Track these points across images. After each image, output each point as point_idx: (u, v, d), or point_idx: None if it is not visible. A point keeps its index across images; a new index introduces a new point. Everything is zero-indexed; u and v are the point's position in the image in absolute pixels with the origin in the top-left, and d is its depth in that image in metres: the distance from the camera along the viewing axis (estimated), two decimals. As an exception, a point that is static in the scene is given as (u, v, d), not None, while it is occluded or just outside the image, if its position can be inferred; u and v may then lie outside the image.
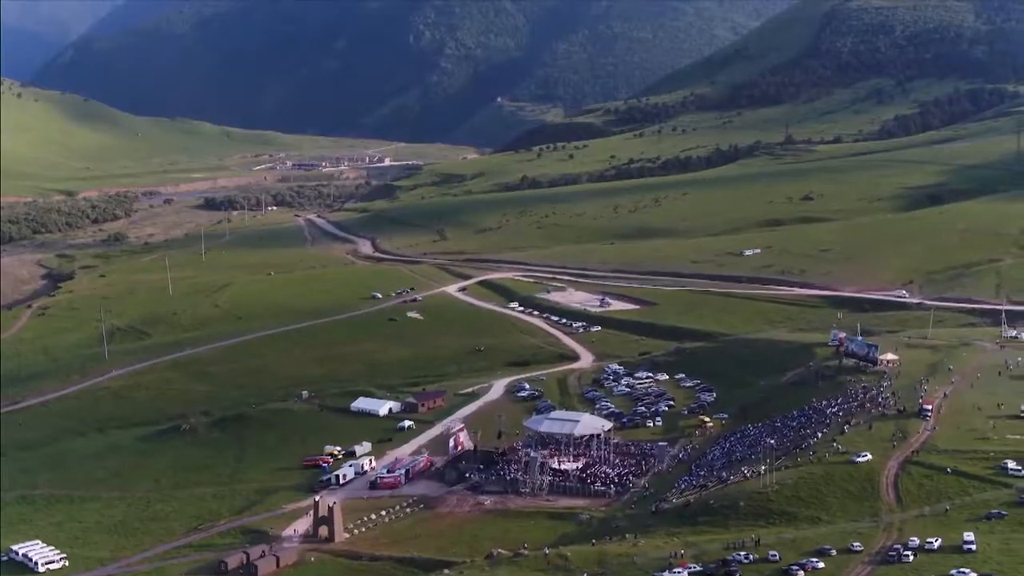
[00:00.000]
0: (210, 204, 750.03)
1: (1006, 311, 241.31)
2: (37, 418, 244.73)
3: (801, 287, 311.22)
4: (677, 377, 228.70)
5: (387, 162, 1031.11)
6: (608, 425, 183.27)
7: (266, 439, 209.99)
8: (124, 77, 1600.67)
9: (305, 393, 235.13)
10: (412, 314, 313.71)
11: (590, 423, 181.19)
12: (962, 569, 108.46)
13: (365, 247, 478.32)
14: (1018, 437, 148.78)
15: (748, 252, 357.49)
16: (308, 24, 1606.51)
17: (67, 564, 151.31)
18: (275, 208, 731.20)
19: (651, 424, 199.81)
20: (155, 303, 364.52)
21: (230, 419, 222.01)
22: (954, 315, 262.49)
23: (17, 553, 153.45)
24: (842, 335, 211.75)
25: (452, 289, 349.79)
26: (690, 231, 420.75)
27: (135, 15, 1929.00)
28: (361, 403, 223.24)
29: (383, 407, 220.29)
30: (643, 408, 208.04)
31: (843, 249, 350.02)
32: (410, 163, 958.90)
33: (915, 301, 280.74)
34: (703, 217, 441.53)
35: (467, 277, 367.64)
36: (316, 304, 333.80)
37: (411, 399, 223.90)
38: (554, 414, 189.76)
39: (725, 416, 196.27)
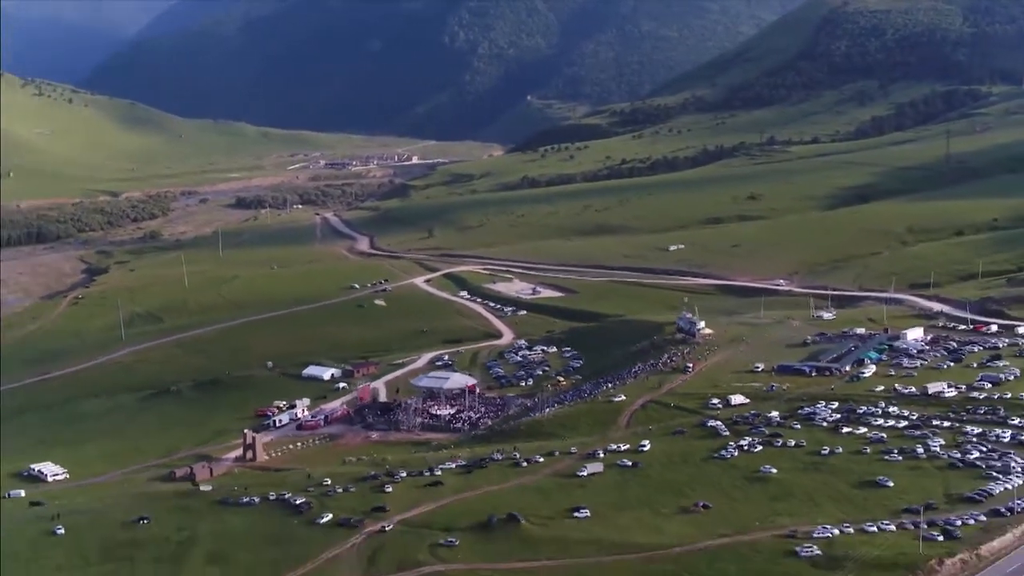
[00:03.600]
0: (241, 203, 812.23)
1: (813, 294, 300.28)
2: (61, 385, 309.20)
3: (703, 277, 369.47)
4: (563, 349, 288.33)
5: (414, 160, 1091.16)
6: (472, 381, 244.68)
7: (233, 398, 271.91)
8: (174, 79, 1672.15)
9: (270, 363, 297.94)
10: (378, 302, 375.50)
11: (458, 380, 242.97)
12: (625, 460, 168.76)
13: (363, 244, 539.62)
14: (739, 384, 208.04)
15: (672, 247, 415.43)
16: (348, 26, 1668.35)
17: (68, 477, 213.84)
18: (300, 207, 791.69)
19: (523, 384, 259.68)
20: (171, 293, 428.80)
21: (207, 383, 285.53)
22: (807, 299, 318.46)
23: (33, 469, 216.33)
24: (689, 315, 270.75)
25: (419, 280, 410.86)
26: (639, 228, 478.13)
27: (188, 15, 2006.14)
28: (310, 370, 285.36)
29: (327, 373, 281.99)
30: (521, 372, 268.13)
31: (752, 244, 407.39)
32: (434, 162, 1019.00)
33: (785, 288, 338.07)
34: (654, 216, 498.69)
35: (435, 270, 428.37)
36: (302, 294, 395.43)
37: (348, 367, 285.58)
38: (432, 373, 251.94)
39: (579, 377, 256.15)
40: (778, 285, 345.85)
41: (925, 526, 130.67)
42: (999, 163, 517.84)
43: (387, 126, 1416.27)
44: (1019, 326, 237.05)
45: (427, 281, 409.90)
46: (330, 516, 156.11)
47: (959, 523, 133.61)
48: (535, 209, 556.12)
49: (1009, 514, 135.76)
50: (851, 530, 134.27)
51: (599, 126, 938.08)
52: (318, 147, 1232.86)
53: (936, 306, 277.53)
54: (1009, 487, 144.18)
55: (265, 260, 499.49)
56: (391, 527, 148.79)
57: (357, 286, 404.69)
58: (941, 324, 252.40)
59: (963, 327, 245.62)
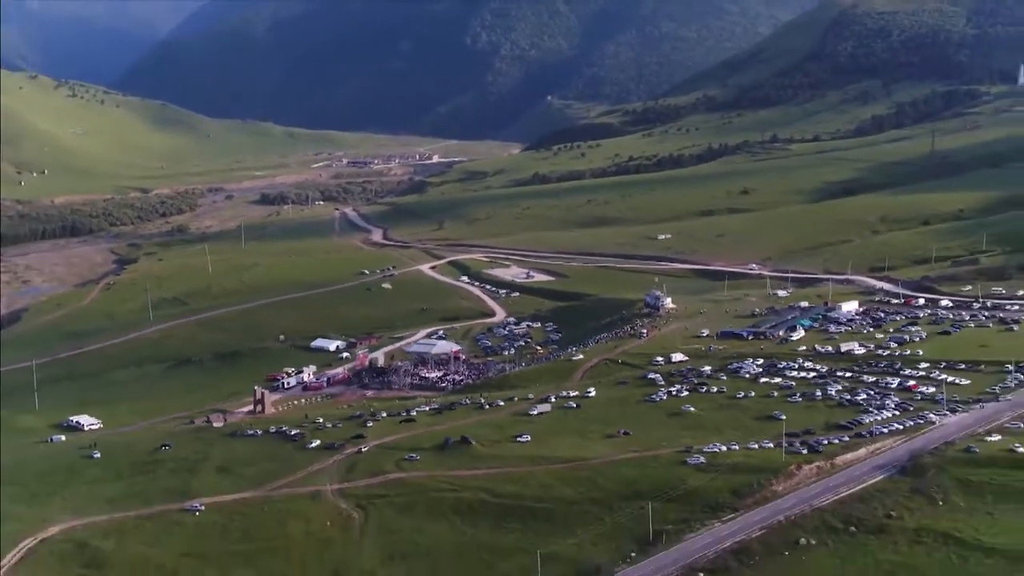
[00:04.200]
0: (265, 199, 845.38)
1: (770, 275, 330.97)
2: (94, 358, 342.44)
3: (683, 263, 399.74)
4: (546, 325, 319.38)
5: (434, 159, 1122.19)
6: (457, 348, 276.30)
7: (248, 366, 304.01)
8: (203, 79, 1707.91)
9: (282, 336, 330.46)
10: (385, 285, 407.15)
11: (444, 347, 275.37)
12: (571, 403, 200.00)
13: (377, 236, 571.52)
14: (683, 347, 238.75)
15: (661, 237, 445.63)
16: (373, 28, 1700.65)
17: (102, 426, 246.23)
18: (321, 203, 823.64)
19: (506, 353, 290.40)
20: (195, 280, 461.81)
21: (227, 354, 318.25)
22: (777, 281, 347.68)
23: (72, 420, 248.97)
24: (657, 292, 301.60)
25: (425, 267, 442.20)
26: (634, 220, 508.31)
27: (217, 15, 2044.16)
28: (318, 343, 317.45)
29: (332, 345, 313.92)
30: (506, 343, 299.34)
31: (736, 234, 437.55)
32: (452, 160, 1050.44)
33: (756, 272, 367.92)
34: (650, 209, 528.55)
35: (441, 258, 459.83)
36: (316, 280, 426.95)
37: (352, 340, 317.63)
38: (421, 340, 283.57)
39: (555, 346, 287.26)
40: (750, 269, 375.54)
41: (787, 444, 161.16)
42: (980, 159, 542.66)
43: (410, 126, 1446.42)
44: (942, 299, 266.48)
45: (432, 268, 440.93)
46: (318, 442, 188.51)
47: (825, 442, 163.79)
48: (541, 203, 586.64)
49: (869, 436, 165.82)
50: (736, 447, 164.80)
51: (612, 125, 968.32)
52: (342, 146, 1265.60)
53: (882, 284, 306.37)
54: (878, 418, 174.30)
55: (284, 251, 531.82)
56: (367, 449, 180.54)
57: (367, 272, 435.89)
58: (877, 299, 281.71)
59: (895, 301, 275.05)
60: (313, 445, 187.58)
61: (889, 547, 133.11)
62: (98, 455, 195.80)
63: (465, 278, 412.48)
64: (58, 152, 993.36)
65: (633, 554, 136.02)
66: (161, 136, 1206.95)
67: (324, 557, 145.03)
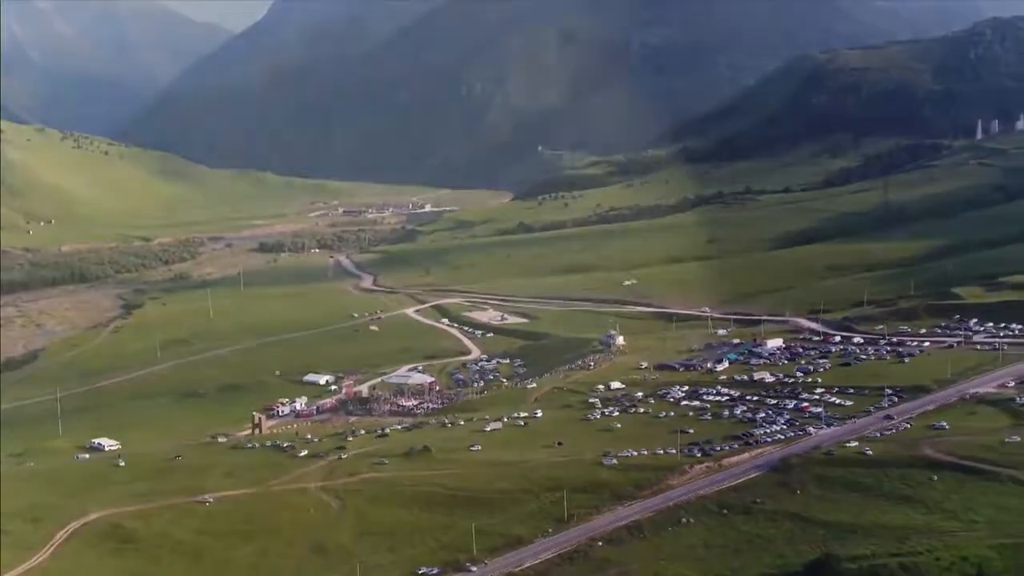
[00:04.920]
0: (263, 247, 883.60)
1: (713, 316, 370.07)
2: (108, 392, 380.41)
3: (644, 306, 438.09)
4: (514, 361, 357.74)
5: (427, 208, 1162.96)
6: (431, 379, 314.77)
7: (248, 397, 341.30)
8: (203, 129, 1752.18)
9: (278, 372, 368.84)
10: (372, 328, 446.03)
11: (419, 378, 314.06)
12: (519, 422, 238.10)
13: (367, 282, 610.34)
14: (623, 376, 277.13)
15: (627, 282, 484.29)
16: (369, 79, 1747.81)
17: (120, 447, 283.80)
18: (316, 251, 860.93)
19: (476, 385, 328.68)
20: (198, 322, 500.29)
21: (228, 387, 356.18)
22: (720, 321, 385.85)
23: (94, 443, 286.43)
24: (612, 332, 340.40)
25: (410, 311, 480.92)
26: (606, 267, 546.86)
27: (217, 65, 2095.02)
28: (310, 377, 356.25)
29: (323, 379, 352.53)
30: (476, 377, 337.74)
31: (695, 279, 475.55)
32: (443, 209, 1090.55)
33: (707, 314, 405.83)
34: (622, 256, 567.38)
35: (425, 302, 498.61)
36: (309, 322, 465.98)
37: (340, 374, 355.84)
38: (399, 373, 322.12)
39: (519, 378, 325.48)
40: (702, 311, 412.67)
41: (687, 450, 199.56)
42: (930, 209, 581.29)
43: (405, 174, 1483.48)
44: (855, 337, 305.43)
45: (416, 311, 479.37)
46: (306, 452, 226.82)
47: (718, 448, 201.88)
48: (521, 251, 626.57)
49: (755, 444, 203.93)
50: (645, 452, 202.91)
51: (597, 176, 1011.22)
52: (338, 196, 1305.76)
53: (811, 325, 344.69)
54: (767, 430, 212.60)
55: (280, 295, 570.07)
56: (346, 456, 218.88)
57: (356, 315, 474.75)
58: (801, 337, 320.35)
59: (816, 338, 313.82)
60: (302, 454, 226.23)
61: (751, 523, 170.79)
62: (123, 463, 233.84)
63: (446, 320, 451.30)
64: (64, 202, 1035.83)
65: (549, 530, 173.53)
66: (162, 186, 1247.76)
67: (309, 535, 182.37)
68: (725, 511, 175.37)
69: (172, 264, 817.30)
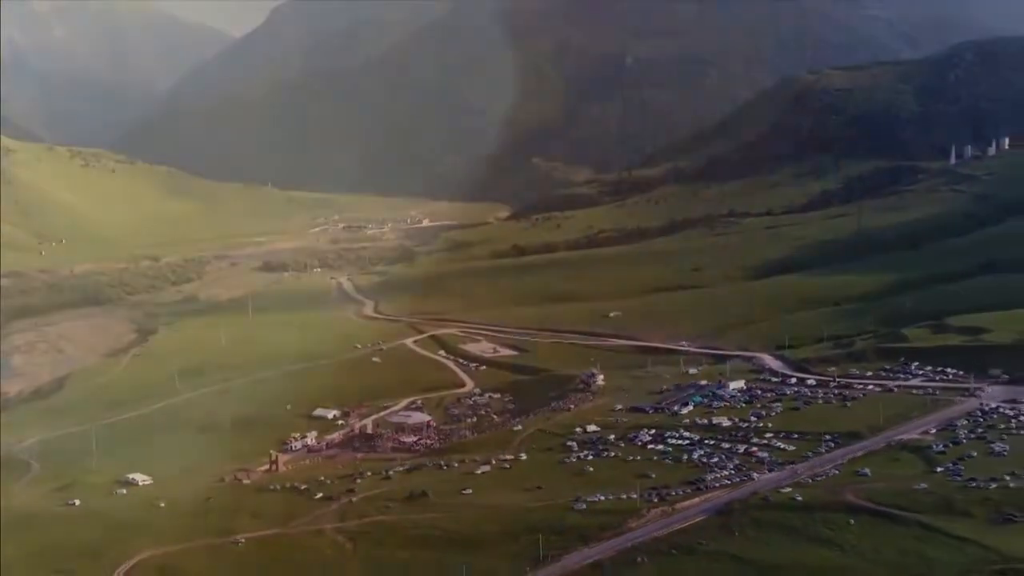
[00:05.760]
0: (267, 266, 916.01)
1: (689, 351, 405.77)
2: (134, 425, 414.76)
3: (627, 339, 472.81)
4: (505, 396, 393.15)
5: (424, 223, 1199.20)
6: (429, 418, 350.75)
7: (262, 432, 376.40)
8: (204, 139, 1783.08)
9: (288, 406, 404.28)
10: (375, 359, 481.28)
11: (418, 417, 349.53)
12: (505, 464, 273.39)
13: (368, 309, 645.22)
14: (599, 419, 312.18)
15: (612, 314, 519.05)
16: (369, 89, 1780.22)
17: (151, 481, 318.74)
18: (318, 270, 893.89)
19: (470, 420, 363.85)
20: (210, 351, 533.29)
21: (242, 420, 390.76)
22: (695, 357, 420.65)
23: (129, 477, 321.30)
24: (593, 371, 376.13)
25: (409, 341, 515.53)
26: (594, 296, 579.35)
27: (217, 73, 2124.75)
28: (318, 411, 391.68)
29: (330, 413, 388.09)
30: (470, 412, 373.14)
31: (676, 312, 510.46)
32: (440, 225, 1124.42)
33: (684, 348, 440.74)
34: (611, 284, 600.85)
35: (423, 332, 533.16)
36: (315, 351, 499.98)
37: (346, 409, 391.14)
38: (401, 412, 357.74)
39: (508, 415, 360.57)
40: (680, 345, 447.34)
41: (647, 495, 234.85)
42: (901, 238, 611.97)
43: (403, 187, 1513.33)
44: (809, 379, 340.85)
45: (415, 341, 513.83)
46: (321, 494, 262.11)
47: (674, 493, 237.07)
48: (514, 278, 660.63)
49: (706, 488, 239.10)
50: (611, 497, 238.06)
51: (590, 195, 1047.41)
52: (339, 209, 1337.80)
53: (771, 364, 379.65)
54: (718, 475, 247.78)
55: (287, 323, 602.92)
56: (356, 499, 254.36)
57: (359, 346, 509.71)
58: (762, 377, 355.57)
59: (774, 379, 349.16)
60: (318, 496, 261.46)
61: (695, 563, 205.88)
62: (163, 504, 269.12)
63: (442, 352, 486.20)
64: (74, 221, 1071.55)
65: (528, 569, 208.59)
66: (168, 203, 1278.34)
67: (325, 574, 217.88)
68: (674, 551, 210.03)
69: (180, 284, 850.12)
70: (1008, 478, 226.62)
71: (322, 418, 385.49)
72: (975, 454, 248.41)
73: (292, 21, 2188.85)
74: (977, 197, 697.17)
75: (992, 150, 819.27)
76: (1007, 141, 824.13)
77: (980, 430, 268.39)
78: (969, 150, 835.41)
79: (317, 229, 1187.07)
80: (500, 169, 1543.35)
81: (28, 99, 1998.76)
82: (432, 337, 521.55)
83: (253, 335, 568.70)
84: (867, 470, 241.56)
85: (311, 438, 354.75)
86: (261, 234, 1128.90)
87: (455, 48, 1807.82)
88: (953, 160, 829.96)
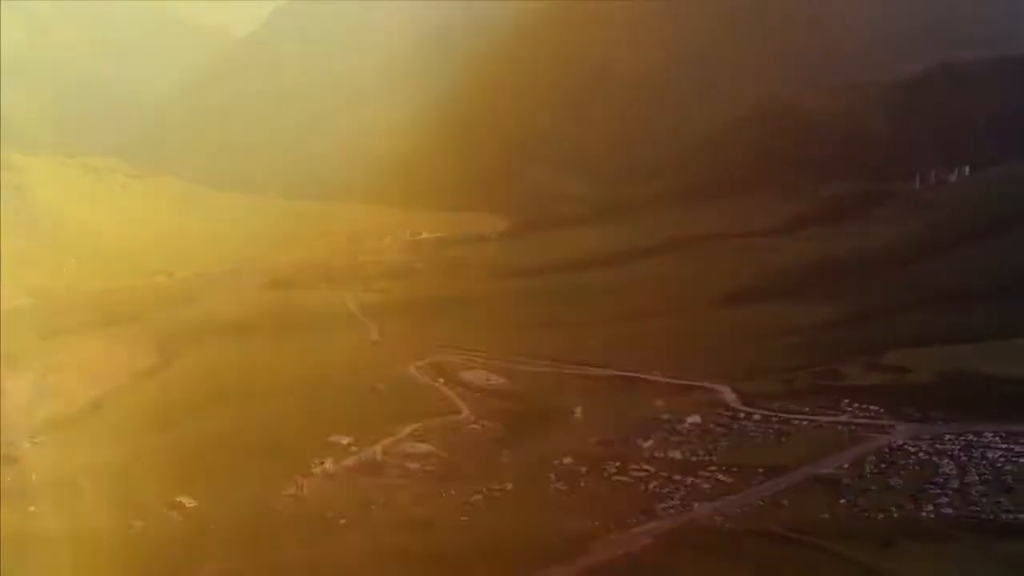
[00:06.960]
0: (274, 283, 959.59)
1: (658, 381, 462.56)
2: (171, 448, 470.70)
3: (605, 368, 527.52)
4: (497, 424, 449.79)
5: (423, 235, 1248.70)
6: (431, 449, 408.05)
7: (284, 456, 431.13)
8: (207, 145, 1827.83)
9: (306, 432, 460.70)
10: (380, 386, 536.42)
11: (422, 448, 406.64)
12: (495, 493, 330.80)
13: (374, 332, 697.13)
14: (574, 450, 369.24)
15: (593, 341, 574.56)
16: (368, 96, 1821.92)
17: (196, 505, 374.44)
18: (324, 285, 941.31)
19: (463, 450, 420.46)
20: (232, 374, 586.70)
21: (266, 446, 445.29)
22: (664, 389, 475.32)
23: (176, 500, 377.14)
24: (576, 409, 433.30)
25: (411, 367, 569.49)
26: (579, 324, 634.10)
27: (219, 76, 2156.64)
28: (333, 438, 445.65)
29: (344, 440, 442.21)
30: (466, 439, 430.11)
31: (652, 341, 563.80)
32: (441, 235, 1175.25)
33: (657, 379, 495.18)
34: (594, 311, 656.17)
35: (423, 358, 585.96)
36: (328, 376, 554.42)
37: (357, 437, 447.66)
38: (406, 440, 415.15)
39: (499, 447, 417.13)
40: (655, 376, 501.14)
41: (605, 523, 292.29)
42: (861, 265, 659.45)
43: (403, 195, 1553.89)
44: (755, 413, 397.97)
45: (416, 368, 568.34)
46: (344, 520, 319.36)
47: (628, 520, 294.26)
48: (508, 302, 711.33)
49: (655, 518, 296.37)
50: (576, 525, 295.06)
51: (582, 213, 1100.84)
52: (342, 220, 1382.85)
53: (730, 396, 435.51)
54: (664, 506, 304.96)
55: (299, 347, 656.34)
56: (374, 525, 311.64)
57: (365, 371, 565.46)
58: (717, 411, 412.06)
59: (726, 413, 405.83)
60: (341, 522, 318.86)
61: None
62: (214, 527, 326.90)
63: (441, 379, 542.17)
64: (86, 237, 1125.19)
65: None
66: (179, 215, 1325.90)
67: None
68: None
69: (194, 301, 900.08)
70: (893, 509, 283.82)
71: (337, 444, 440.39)
72: (874, 488, 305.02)
73: (294, 19, 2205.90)
74: (932, 225, 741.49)
75: (954, 176, 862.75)
76: (967, 168, 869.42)
77: (883, 465, 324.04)
78: (934, 175, 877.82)
79: (321, 241, 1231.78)
80: (497, 178, 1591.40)
81: (31, 101, 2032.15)
82: (432, 364, 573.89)
83: (269, 360, 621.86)
84: (785, 501, 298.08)
85: (328, 463, 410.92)
86: (268, 246, 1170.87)
87: (455, 55, 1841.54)
88: (918, 184, 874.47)
